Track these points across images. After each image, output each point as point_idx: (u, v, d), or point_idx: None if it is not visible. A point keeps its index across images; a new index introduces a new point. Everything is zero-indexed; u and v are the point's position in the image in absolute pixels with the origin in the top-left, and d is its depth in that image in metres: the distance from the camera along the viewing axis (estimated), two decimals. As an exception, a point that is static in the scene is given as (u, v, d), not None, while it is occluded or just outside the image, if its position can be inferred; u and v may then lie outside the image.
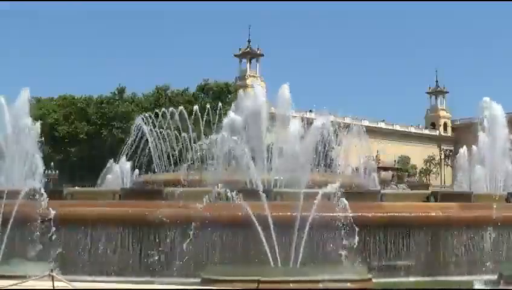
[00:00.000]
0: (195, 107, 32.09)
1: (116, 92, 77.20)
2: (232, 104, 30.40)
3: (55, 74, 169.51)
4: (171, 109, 32.47)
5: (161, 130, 30.30)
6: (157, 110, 32.13)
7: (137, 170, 29.85)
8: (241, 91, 34.46)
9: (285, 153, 21.61)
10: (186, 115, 31.54)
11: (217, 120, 29.46)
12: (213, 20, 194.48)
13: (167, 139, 30.02)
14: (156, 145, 29.09)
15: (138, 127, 30.05)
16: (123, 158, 30.04)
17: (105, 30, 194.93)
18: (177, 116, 31.66)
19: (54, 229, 14.52)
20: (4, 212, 14.35)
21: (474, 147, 27.73)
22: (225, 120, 25.95)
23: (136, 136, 29.87)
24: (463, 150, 30.42)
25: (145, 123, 29.88)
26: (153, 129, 29.75)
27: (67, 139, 72.99)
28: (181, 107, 33.11)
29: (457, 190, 27.89)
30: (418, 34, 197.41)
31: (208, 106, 31.35)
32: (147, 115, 31.03)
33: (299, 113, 26.69)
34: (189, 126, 30.66)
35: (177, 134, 30.44)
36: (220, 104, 31.90)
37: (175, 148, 29.88)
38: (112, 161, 29.13)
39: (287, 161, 20.81)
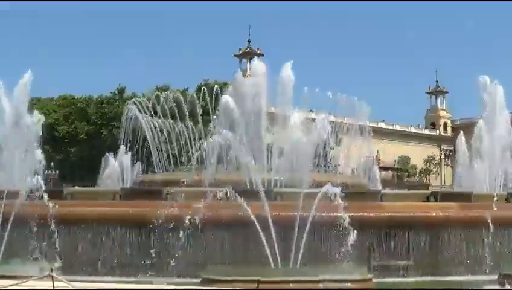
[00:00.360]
0: (191, 94, 30.74)
1: (116, 92, 77.19)
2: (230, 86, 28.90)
3: (55, 74, 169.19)
4: (165, 93, 31.24)
5: (156, 117, 29.07)
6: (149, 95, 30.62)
7: (139, 163, 29.03)
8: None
9: (285, 152, 21.57)
10: (181, 98, 30.13)
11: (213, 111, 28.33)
12: (213, 20, 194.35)
13: (164, 129, 28.78)
14: (154, 137, 28.22)
15: (131, 114, 28.54)
16: (122, 148, 29.16)
17: (105, 30, 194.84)
18: (171, 97, 30.22)
19: (53, 229, 14.52)
20: (4, 213, 14.35)
21: (476, 127, 25.77)
22: (222, 100, 24.66)
23: (129, 122, 28.72)
24: (460, 136, 28.69)
25: (139, 110, 28.45)
26: (147, 116, 28.35)
27: (67, 139, 73.05)
28: (177, 94, 31.89)
29: (457, 189, 27.38)
30: (418, 34, 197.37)
31: (206, 92, 29.85)
32: (140, 100, 29.43)
33: (299, 112, 26.42)
34: (187, 118, 29.75)
35: (174, 124, 29.31)
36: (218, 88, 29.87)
37: (174, 147, 29.46)
38: (109, 154, 27.93)
39: (287, 161, 20.80)
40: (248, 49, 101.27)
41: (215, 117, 25.65)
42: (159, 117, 29.72)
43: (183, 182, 15.87)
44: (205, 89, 30.88)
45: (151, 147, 28.33)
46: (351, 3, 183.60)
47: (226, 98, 24.38)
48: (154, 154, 28.42)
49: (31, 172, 20.69)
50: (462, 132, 29.62)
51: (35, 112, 24.12)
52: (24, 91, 23.62)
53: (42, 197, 14.46)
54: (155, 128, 28.45)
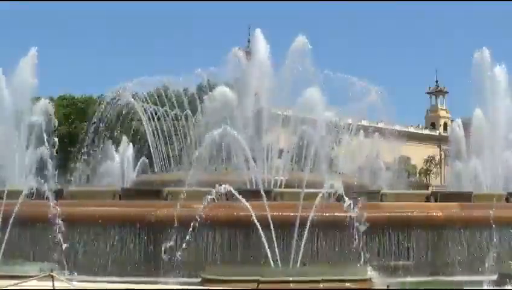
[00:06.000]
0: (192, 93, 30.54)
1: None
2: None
3: (55, 74, 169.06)
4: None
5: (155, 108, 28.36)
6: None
7: (144, 158, 28.46)
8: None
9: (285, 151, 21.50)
10: (181, 92, 29.86)
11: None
12: (213, 20, 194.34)
13: (164, 125, 28.01)
14: (154, 132, 27.90)
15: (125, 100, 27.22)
16: (124, 139, 28.03)
17: (105, 30, 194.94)
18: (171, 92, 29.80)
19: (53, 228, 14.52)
20: (5, 212, 14.34)
21: (473, 118, 22.88)
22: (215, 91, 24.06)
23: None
24: (457, 122, 25.88)
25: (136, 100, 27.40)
26: (145, 105, 27.58)
27: (67, 139, 73.04)
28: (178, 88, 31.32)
29: (450, 187, 25.96)
30: (418, 34, 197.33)
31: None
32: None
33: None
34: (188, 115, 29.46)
35: (174, 120, 28.83)
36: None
37: (175, 147, 29.32)
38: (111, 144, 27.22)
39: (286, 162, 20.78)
40: (248, 49, 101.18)
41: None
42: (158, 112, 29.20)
43: (184, 182, 15.85)
44: (207, 85, 30.72)
45: (150, 145, 28.10)
46: (350, 4, 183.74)
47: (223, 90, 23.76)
48: (154, 153, 28.16)
49: (32, 171, 20.53)
50: (459, 120, 26.94)
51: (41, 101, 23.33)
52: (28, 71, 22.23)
53: (43, 197, 14.47)
54: (156, 128, 28.23)
